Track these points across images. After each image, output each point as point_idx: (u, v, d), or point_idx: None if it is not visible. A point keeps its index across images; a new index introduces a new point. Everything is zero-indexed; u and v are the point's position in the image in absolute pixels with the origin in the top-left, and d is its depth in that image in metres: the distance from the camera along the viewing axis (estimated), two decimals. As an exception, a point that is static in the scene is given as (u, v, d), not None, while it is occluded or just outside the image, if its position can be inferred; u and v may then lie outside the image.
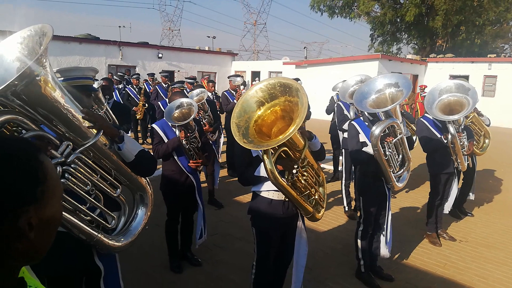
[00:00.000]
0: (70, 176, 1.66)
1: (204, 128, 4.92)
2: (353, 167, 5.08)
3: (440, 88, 4.14)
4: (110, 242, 1.92)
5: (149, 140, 9.26)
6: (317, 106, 10.08)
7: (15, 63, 1.49)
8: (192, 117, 3.50)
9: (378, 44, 27.43)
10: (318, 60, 19.85)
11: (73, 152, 1.66)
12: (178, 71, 20.01)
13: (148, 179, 2.21)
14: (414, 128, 4.92)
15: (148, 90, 9.76)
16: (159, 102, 6.70)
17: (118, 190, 1.96)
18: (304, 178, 2.42)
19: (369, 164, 3.33)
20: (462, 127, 4.28)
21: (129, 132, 5.55)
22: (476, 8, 21.97)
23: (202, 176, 5.03)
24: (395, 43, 27.43)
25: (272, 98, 2.21)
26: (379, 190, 3.45)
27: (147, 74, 11.39)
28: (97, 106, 4.06)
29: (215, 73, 22.07)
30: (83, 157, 1.73)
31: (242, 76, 9.12)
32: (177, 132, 3.54)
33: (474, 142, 4.92)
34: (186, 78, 8.36)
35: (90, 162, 1.78)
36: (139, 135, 10.01)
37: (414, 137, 4.47)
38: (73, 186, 1.68)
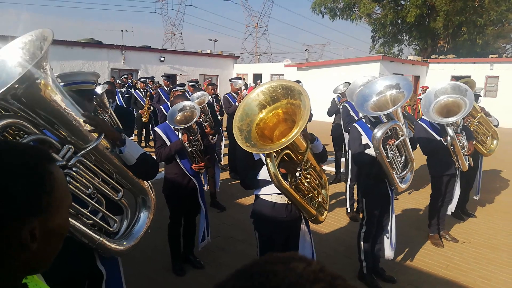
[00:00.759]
0: (71, 180, 1.67)
1: (205, 130, 4.93)
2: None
3: (435, 90, 4.13)
4: (112, 245, 1.92)
5: (151, 143, 9.29)
6: (319, 108, 10.09)
7: (17, 68, 1.50)
8: (194, 120, 3.51)
9: (380, 45, 27.40)
10: (319, 62, 19.86)
11: (75, 156, 1.66)
12: (180, 74, 20.08)
13: (150, 182, 2.21)
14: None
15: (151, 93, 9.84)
16: (161, 106, 6.72)
17: (120, 193, 1.96)
18: (307, 180, 2.41)
19: (371, 166, 3.32)
20: (461, 127, 4.26)
21: (133, 135, 5.57)
22: (477, 8, 21.93)
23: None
24: (396, 44, 27.40)
25: (274, 100, 2.20)
26: (382, 192, 3.44)
27: (147, 78, 11.42)
28: (102, 111, 4.09)
29: (217, 76, 22.13)
30: (85, 160, 1.73)
31: (244, 79, 9.13)
32: (180, 135, 3.55)
33: (476, 142, 4.91)
34: (188, 81, 8.38)
35: (91, 165, 1.78)
36: (143, 138, 10.05)
37: (416, 138, 4.45)
38: (74, 189, 1.69)
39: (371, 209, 3.50)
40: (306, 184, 2.41)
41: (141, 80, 10.30)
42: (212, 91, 7.31)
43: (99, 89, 4.55)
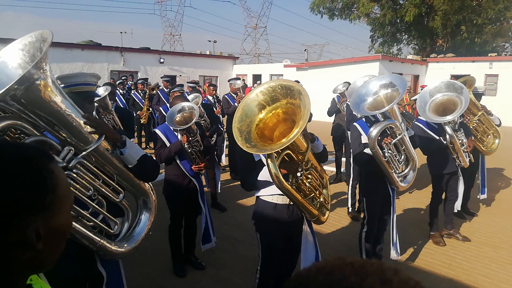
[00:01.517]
0: (72, 181, 1.66)
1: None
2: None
3: (429, 89, 4.12)
4: (113, 248, 1.91)
5: (152, 144, 9.28)
6: (318, 108, 10.07)
7: (16, 69, 1.50)
8: (193, 121, 3.50)
9: (379, 45, 27.39)
10: (318, 62, 19.86)
11: (75, 157, 1.66)
12: (180, 75, 20.08)
13: (151, 184, 2.21)
14: None
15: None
16: (160, 108, 6.72)
17: (121, 195, 1.95)
18: (308, 180, 2.40)
19: (371, 165, 3.32)
20: (458, 124, 4.24)
21: (133, 137, 5.58)
22: (475, 7, 21.94)
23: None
24: (395, 44, 27.38)
25: (273, 100, 2.19)
26: (383, 191, 3.43)
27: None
28: (104, 112, 4.09)
29: (217, 77, 22.13)
30: (85, 162, 1.72)
31: (244, 80, 9.13)
32: (179, 136, 3.54)
33: (475, 140, 4.89)
34: (188, 82, 8.38)
35: (92, 167, 1.77)
36: (143, 139, 10.04)
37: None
38: (75, 191, 1.68)
39: (372, 209, 3.49)
40: (307, 184, 2.40)
41: (140, 81, 10.29)
42: (214, 91, 7.33)
43: (101, 91, 4.54)
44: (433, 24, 22.70)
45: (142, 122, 9.44)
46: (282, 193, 2.27)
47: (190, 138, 3.55)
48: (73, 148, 1.65)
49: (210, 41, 34.05)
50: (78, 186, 1.70)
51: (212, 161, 4.80)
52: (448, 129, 4.05)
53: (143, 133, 10.00)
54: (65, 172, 1.63)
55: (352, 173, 5.42)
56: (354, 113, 5.53)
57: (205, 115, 5.83)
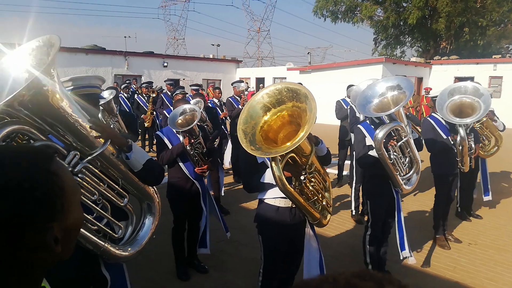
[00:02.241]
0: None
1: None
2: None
3: (452, 87, 4.10)
4: (117, 251, 1.90)
5: (155, 148, 9.30)
6: (322, 111, 10.02)
7: (24, 74, 1.51)
8: (195, 122, 3.51)
9: (382, 47, 27.36)
10: (322, 65, 19.84)
11: (81, 162, 1.66)
12: (183, 79, 20.14)
13: (155, 188, 2.21)
14: (420, 130, 4.88)
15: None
16: (164, 111, 6.75)
17: (126, 199, 1.95)
18: (311, 184, 2.39)
19: (376, 167, 3.31)
20: (470, 128, 4.24)
21: (137, 140, 5.60)
22: (478, 9, 21.88)
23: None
24: (398, 46, 27.37)
25: (279, 103, 2.19)
26: (387, 193, 3.42)
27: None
28: (109, 116, 4.10)
29: (220, 80, 22.16)
30: (91, 166, 1.72)
31: (247, 83, 9.16)
32: (181, 139, 3.55)
33: (480, 145, 4.88)
34: (190, 85, 8.41)
35: (97, 171, 1.78)
36: (146, 143, 10.07)
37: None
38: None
39: (376, 211, 3.48)
40: (310, 187, 2.39)
41: (144, 85, 10.36)
42: (219, 94, 7.34)
43: (106, 94, 4.54)
44: (436, 26, 22.65)
45: (146, 125, 9.49)
46: (284, 196, 2.27)
47: (192, 140, 3.56)
48: (78, 153, 1.66)
49: (213, 44, 34.11)
50: (83, 190, 1.70)
51: (215, 163, 4.81)
52: (461, 131, 4.04)
53: (146, 136, 10.04)
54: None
55: (355, 175, 5.41)
56: (357, 115, 5.55)
57: (207, 119, 5.84)
